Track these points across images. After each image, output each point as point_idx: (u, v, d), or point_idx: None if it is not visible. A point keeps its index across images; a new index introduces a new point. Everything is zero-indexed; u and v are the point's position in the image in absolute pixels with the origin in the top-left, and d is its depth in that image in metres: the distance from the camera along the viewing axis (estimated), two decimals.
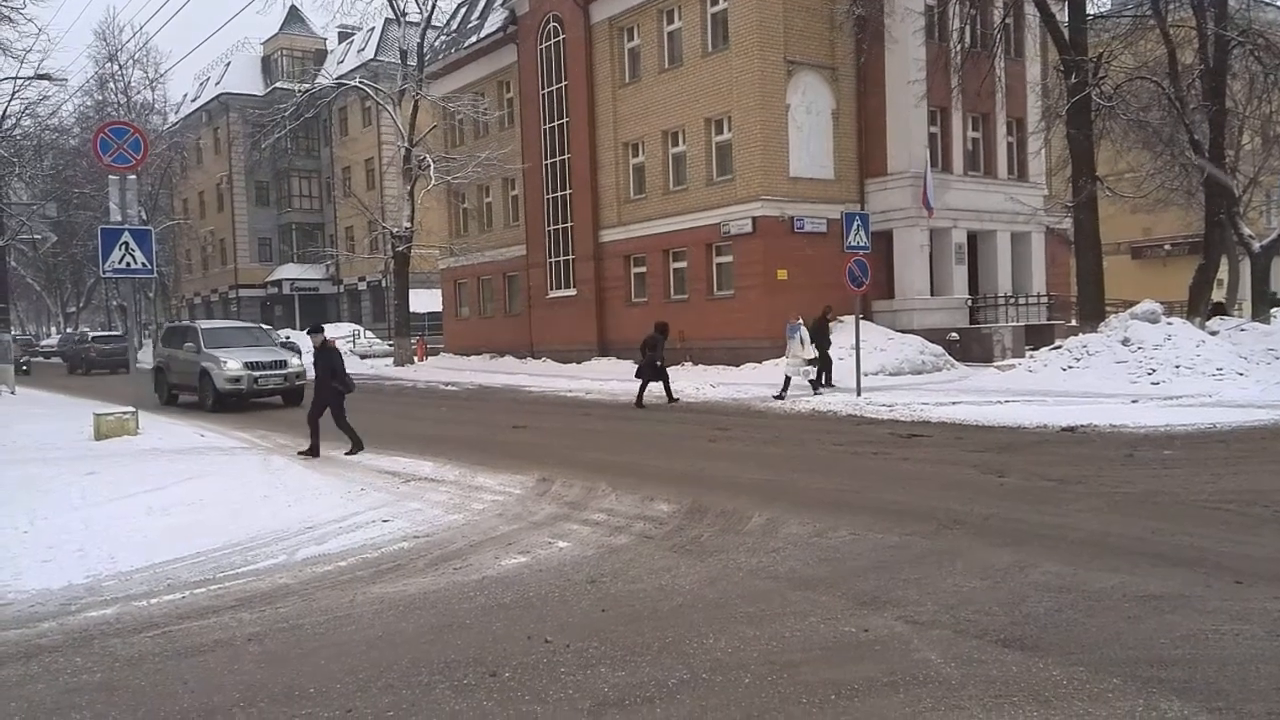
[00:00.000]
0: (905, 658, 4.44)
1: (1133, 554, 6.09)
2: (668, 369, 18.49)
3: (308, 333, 13.45)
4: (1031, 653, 4.43)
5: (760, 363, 22.89)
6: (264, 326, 23.85)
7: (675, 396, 18.02)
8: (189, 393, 19.80)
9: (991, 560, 6.05)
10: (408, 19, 34.32)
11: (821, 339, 18.69)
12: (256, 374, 18.46)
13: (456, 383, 26.37)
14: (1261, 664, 4.20)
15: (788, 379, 17.48)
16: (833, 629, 4.89)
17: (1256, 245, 22.76)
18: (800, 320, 17.49)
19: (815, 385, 17.79)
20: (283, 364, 18.99)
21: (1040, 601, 5.19)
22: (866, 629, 4.86)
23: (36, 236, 45.02)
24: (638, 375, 18.09)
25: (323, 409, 12.00)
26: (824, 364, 18.77)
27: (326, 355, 12.26)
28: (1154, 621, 4.80)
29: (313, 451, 11.75)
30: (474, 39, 34.47)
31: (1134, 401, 14.31)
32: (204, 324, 20.82)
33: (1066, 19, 20.54)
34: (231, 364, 18.26)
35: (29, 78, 30.55)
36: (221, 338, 19.61)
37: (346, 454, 11.74)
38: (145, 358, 46.20)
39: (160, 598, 5.91)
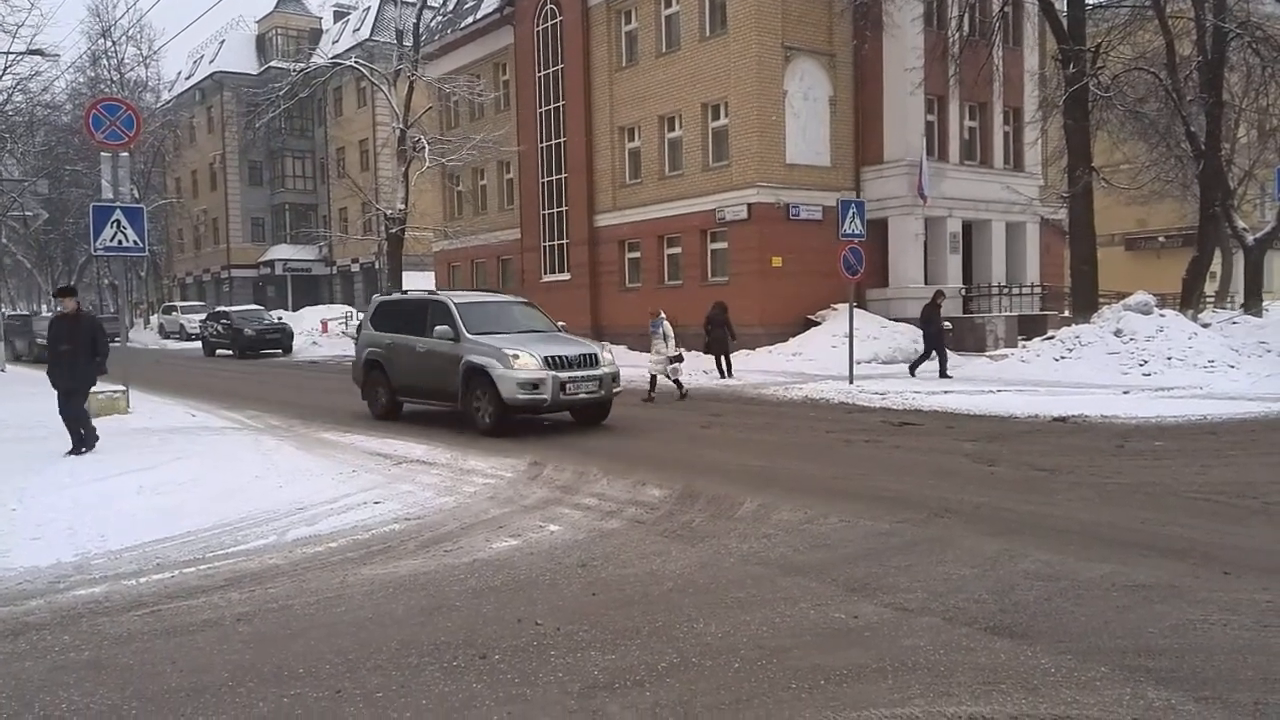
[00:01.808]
0: (894, 644, 4.45)
1: (1122, 544, 6.11)
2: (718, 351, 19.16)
3: (54, 295, 10.65)
4: (1020, 641, 4.44)
5: (754, 349, 22.89)
6: (528, 301, 15.44)
7: (729, 375, 19.14)
8: (429, 400, 13.51)
9: (981, 548, 6.06)
10: None
11: (934, 326, 18.06)
12: (564, 377, 11.86)
13: None
14: (1249, 654, 4.22)
15: (653, 378, 16.11)
16: (823, 615, 4.90)
17: (1250, 238, 22.81)
18: (663, 315, 16.35)
19: (673, 385, 16.13)
20: (593, 361, 12.36)
21: (1029, 590, 5.21)
22: (856, 615, 4.87)
23: (28, 213, 44.77)
24: (708, 352, 19.28)
25: (85, 393, 10.27)
26: (937, 352, 18.08)
27: (86, 326, 10.19)
28: (1142, 611, 4.82)
29: (89, 441, 10.22)
30: (470, 20, 34.24)
31: (1125, 392, 14.36)
32: (456, 297, 13.64)
33: (1065, 8, 20.49)
34: (525, 360, 11.77)
35: (21, 53, 30.29)
36: (484, 318, 13.07)
37: (69, 453, 9.94)
38: (138, 337, 46.21)
39: (149, 577, 5.90)
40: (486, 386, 11.91)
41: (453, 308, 12.90)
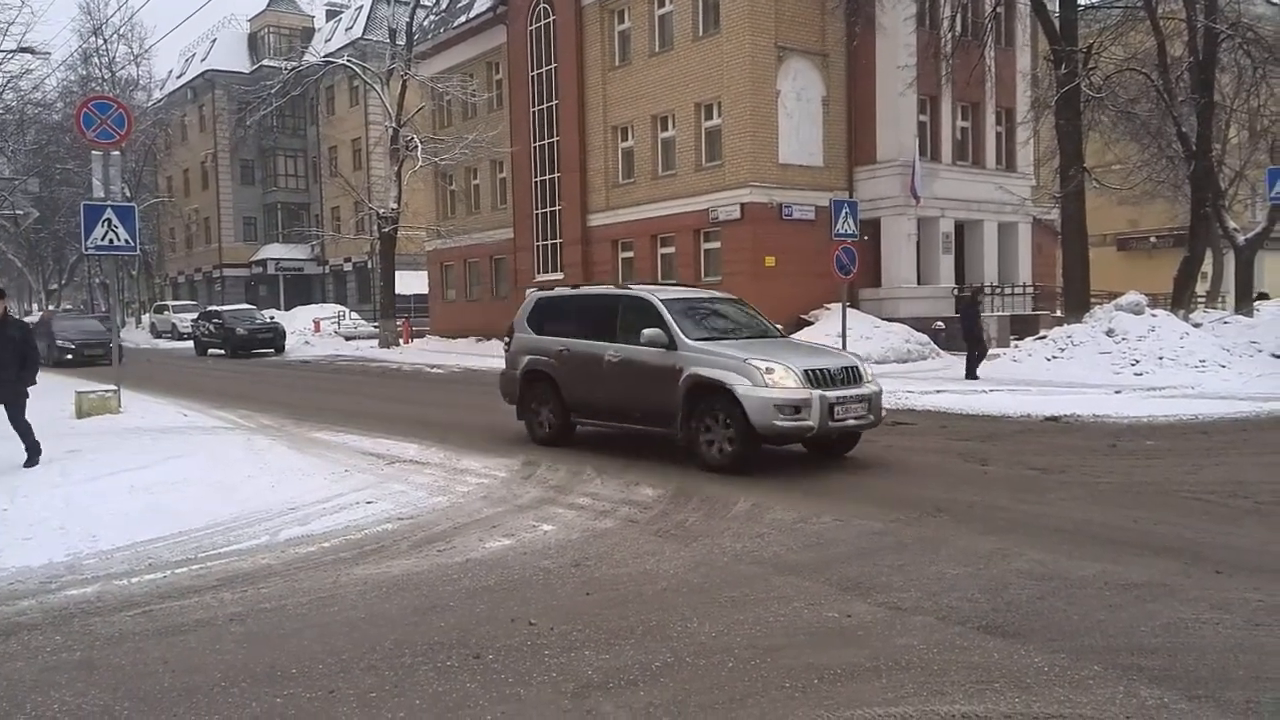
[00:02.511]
0: (888, 643, 4.46)
1: (1114, 543, 6.13)
2: None
3: None
4: (1013, 640, 4.46)
5: None
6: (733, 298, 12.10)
7: None
8: (624, 423, 10.51)
9: (974, 548, 6.08)
10: None
11: (972, 324, 17.43)
12: (832, 397, 8.92)
13: (442, 365, 26.28)
14: (1240, 653, 4.24)
15: None
16: (816, 614, 4.91)
17: (1241, 238, 22.93)
18: None
19: None
20: (857, 376, 9.48)
21: (1022, 589, 5.22)
22: (850, 614, 4.88)
23: (18, 212, 44.58)
24: None
25: (22, 407, 9.18)
26: (979, 353, 17.45)
27: (13, 334, 9.03)
28: (1135, 610, 4.84)
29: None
30: (463, 19, 34.26)
31: (1117, 392, 14.40)
32: (659, 292, 10.73)
33: (1057, 9, 20.56)
34: (780, 374, 8.88)
35: (12, 51, 30.25)
36: (697, 319, 10.23)
37: (26, 465, 9.17)
38: (130, 336, 45.97)
39: (141, 577, 5.88)
40: (726, 408, 9.06)
41: (661, 307, 10.00)
